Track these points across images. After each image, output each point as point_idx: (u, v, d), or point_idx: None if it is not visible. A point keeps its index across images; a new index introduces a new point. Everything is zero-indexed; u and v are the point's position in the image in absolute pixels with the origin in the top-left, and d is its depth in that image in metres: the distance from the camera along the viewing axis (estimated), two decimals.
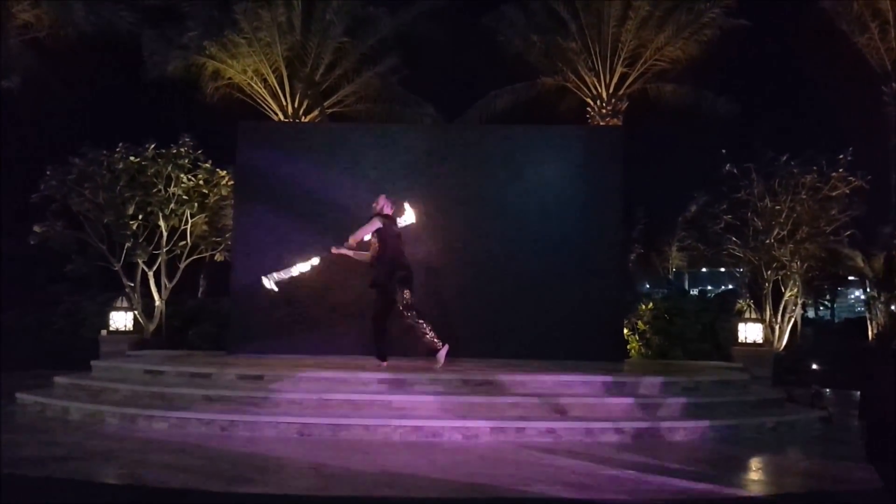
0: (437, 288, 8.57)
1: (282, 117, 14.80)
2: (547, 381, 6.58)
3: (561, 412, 6.08)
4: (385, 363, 7.31)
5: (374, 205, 7.43)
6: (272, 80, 14.74)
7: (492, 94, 15.90)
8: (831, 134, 14.18)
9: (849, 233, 10.70)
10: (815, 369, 10.88)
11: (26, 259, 11.59)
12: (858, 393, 8.01)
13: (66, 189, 10.21)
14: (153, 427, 5.92)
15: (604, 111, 15.21)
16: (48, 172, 10.21)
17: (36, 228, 10.26)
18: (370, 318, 7.50)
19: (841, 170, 10.26)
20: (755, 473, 5.17)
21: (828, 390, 9.22)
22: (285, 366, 7.05)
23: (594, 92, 15.37)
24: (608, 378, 6.69)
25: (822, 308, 22.19)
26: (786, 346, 10.61)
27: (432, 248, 8.62)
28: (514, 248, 8.64)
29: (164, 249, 10.55)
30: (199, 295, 13.55)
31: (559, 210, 8.72)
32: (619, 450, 5.51)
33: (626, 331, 9.94)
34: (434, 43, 14.96)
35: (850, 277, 17.46)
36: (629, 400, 6.35)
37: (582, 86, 15.48)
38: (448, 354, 7.23)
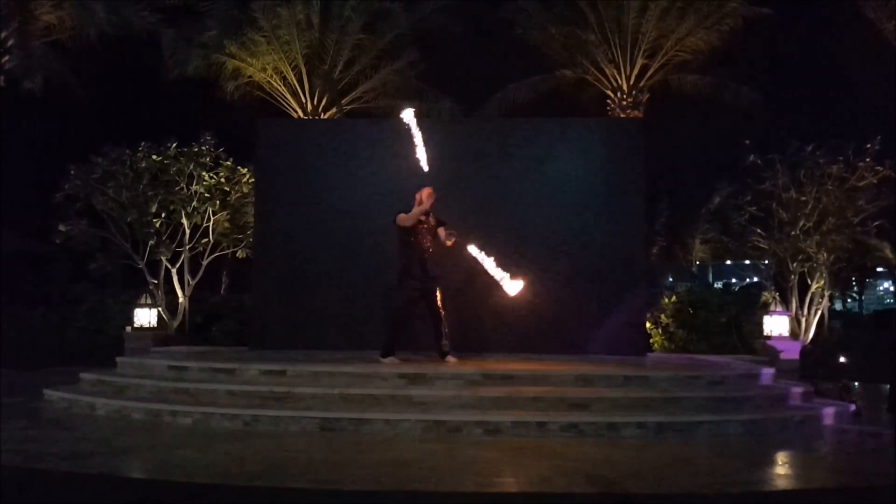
0: (457, 283, 8.55)
1: (301, 114, 14.86)
2: (568, 374, 6.53)
3: (583, 406, 6.03)
4: (389, 360, 7.14)
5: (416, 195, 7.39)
6: (291, 77, 14.80)
7: (510, 87, 15.79)
8: (858, 123, 13.92)
9: (877, 223, 10.48)
10: (842, 362, 10.69)
11: (51, 258, 11.78)
12: (887, 386, 7.86)
13: (90, 188, 10.34)
14: (178, 422, 5.99)
15: (624, 103, 15.06)
16: (72, 172, 10.35)
17: (60, 228, 10.41)
18: (395, 309, 7.37)
19: (868, 159, 10.05)
20: (781, 468, 5.09)
21: (856, 384, 9.06)
22: (307, 361, 7.09)
23: (614, 84, 15.21)
24: (630, 372, 6.63)
25: (849, 300, 21.81)
26: (812, 339, 10.44)
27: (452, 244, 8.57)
28: (536, 241, 8.59)
29: (187, 247, 10.65)
30: (222, 291, 13.67)
31: (580, 203, 8.65)
32: (642, 444, 5.46)
33: (648, 324, 9.84)
34: (452, 36, 14.90)
35: (879, 269, 17.14)
36: (652, 394, 6.29)
37: (602, 78, 15.33)
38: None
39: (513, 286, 7.38)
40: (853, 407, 6.85)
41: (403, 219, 7.22)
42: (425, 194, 7.37)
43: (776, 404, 6.52)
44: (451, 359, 7.18)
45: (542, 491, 4.23)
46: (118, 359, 7.81)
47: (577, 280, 8.49)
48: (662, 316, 10.24)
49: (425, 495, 4.10)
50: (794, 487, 4.55)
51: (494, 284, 8.47)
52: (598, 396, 6.18)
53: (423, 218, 7.31)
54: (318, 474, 4.49)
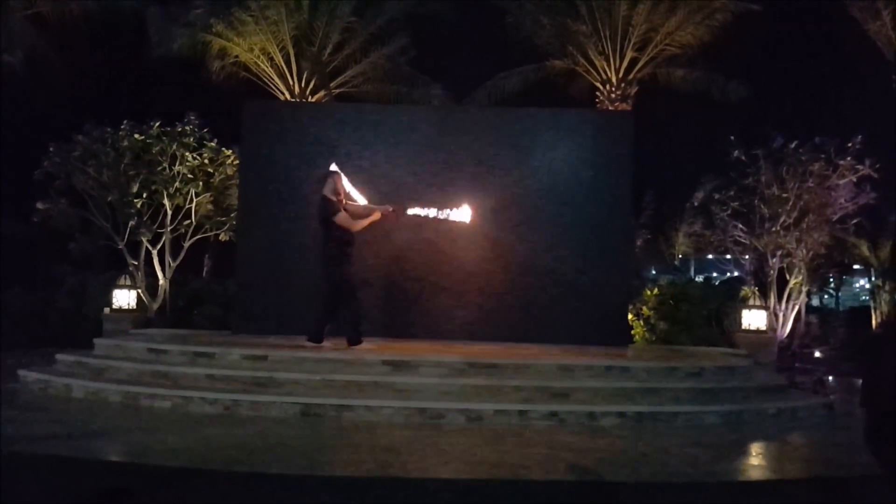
0: (443, 270, 8.56)
1: (288, 97, 14.70)
2: (550, 364, 6.57)
3: (564, 395, 6.08)
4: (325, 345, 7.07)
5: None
6: (279, 59, 14.62)
7: (501, 75, 15.74)
8: (841, 121, 14.04)
9: (855, 221, 10.63)
10: (818, 357, 10.87)
11: (29, 237, 11.61)
12: (861, 381, 8.00)
13: (70, 167, 10.18)
14: (156, 406, 5.94)
15: (613, 95, 15.07)
16: (51, 150, 10.18)
17: (39, 206, 10.26)
18: (346, 295, 7.16)
19: (849, 158, 10.17)
20: (756, 459, 5.17)
21: (831, 378, 9.22)
22: (289, 346, 7.06)
23: (604, 76, 15.22)
24: (611, 362, 6.69)
25: (826, 296, 22.11)
26: (790, 333, 10.59)
27: (440, 231, 8.58)
28: (521, 230, 8.60)
29: (169, 228, 10.54)
30: (204, 275, 13.56)
31: (567, 193, 8.66)
32: (621, 434, 5.51)
33: (630, 316, 9.92)
34: (443, 23, 14.80)
35: (856, 266, 17.38)
36: (632, 384, 6.35)
37: (591, 69, 15.32)
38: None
39: (463, 214, 7.40)
40: (827, 400, 6.96)
41: (347, 222, 7.03)
42: (340, 182, 7.20)
43: (753, 396, 6.61)
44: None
45: (523, 478, 4.26)
46: (96, 340, 7.74)
47: (561, 270, 8.53)
48: (644, 308, 10.32)
49: (406, 482, 4.11)
50: (769, 478, 4.63)
51: (478, 274, 8.51)
52: (580, 386, 6.23)
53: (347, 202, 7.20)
54: (297, 460, 4.49)
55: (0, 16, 12.41)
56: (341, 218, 7.01)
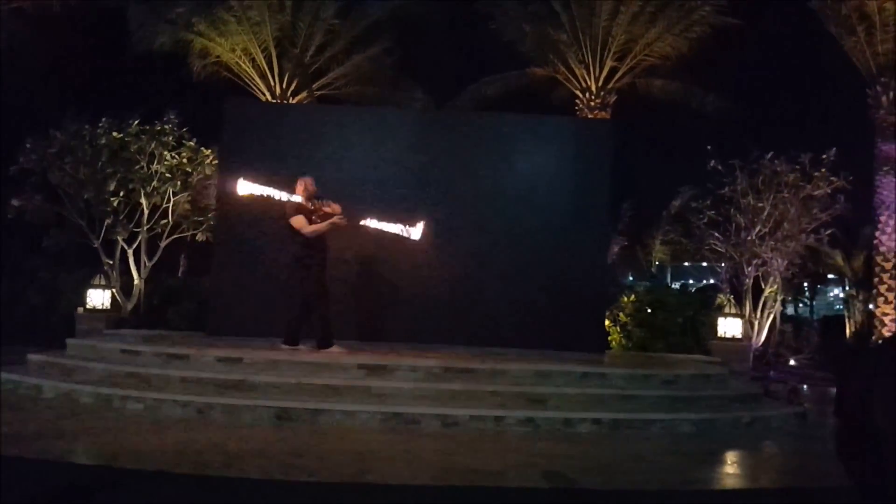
0: (421, 276, 8.55)
1: (270, 98, 14.60)
2: (527, 370, 6.58)
3: (540, 401, 6.10)
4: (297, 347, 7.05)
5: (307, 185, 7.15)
6: (261, 59, 14.53)
7: (483, 80, 15.82)
8: (816, 134, 14.30)
9: (829, 232, 10.81)
10: (792, 365, 11.03)
11: (2, 232, 11.40)
12: (834, 390, 8.11)
13: (46, 162, 10.03)
14: (128, 408, 5.85)
15: (593, 104, 15.19)
16: (28, 145, 10.02)
17: (14, 202, 10.09)
18: (316, 298, 7.09)
19: (823, 170, 10.35)
20: (730, 467, 5.22)
21: (804, 386, 9.34)
22: (265, 349, 6.99)
23: (584, 84, 15.34)
24: (588, 369, 6.72)
25: (801, 305, 22.46)
26: (764, 341, 10.73)
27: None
28: (499, 236, 8.62)
29: (145, 227, 10.41)
30: (180, 274, 13.41)
31: (545, 200, 8.70)
32: (596, 440, 5.54)
33: (607, 322, 9.99)
34: (426, 27, 14.82)
35: (830, 276, 17.67)
36: (608, 391, 6.38)
37: (572, 77, 15.43)
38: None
39: (415, 231, 7.33)
40: (801, 409, 7.05)
41: (308, 230, 6.91)
42: (311, 186, 7.10)
43: (727, 405, 6.68)
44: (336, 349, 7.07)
45: (498, 485, 4.26)
46: (68, 340, 7.59)
47: (539, 276, 8.55)
48: (621, 314, 10.40)
49: (380, 487, 4.09)
50: (742, 486, 4.68)
51: (454, 278, 8.50)
52: (556, 392, 6.25)
53: (315, 208, 7.08)
54: (271, 464, 4.44)
55: None
56: (296, 221, 6.96)
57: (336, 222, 7.07)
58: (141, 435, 5.00)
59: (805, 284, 16.15)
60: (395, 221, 7.44)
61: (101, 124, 10.21)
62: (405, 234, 7.36)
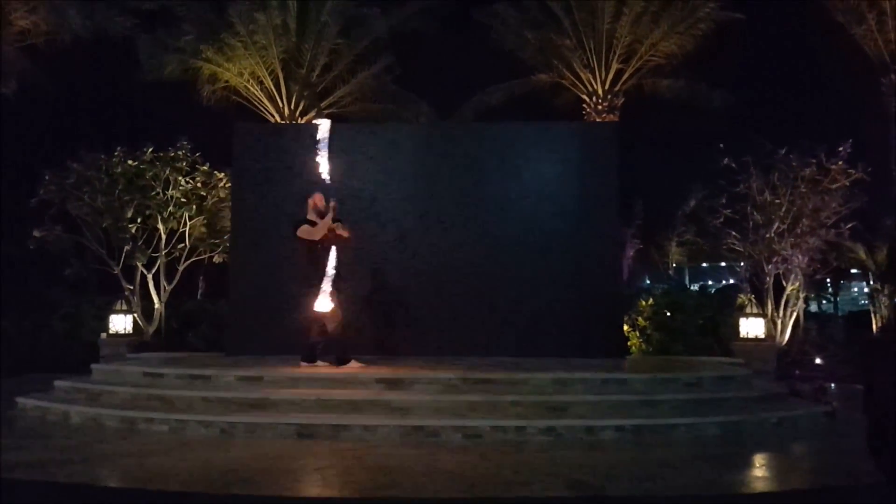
0: (435, 287, 8.55)
1: (278, 119, 14.77)
2: (546, 378, 6.55)
3: (561, 410, 6.05)
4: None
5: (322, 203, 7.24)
6: (268, 82, 14.71)
7: (486, 91, 15.85)
8: (830, 126, 14.14)
9: (850, 225, 10.64)
10: (818, 363, 10.84)
11: (25, 263, 11.59)
12: (862, 387, 7.97)
13: (65, 193, 10.21)
14: (153, 429, 5.91)
15: (600, 107, 15.17)
16: (47, 177, 10.21)
17: (35, 233, 10.25)
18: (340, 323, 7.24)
19: (840, 162, 10.21)
20: (759, 470, 5.14)
21: (832, 385, 9.18)
22: (284, 366, 7.03)
23: (590, 88, 15.33)
24: (608, 375, 6.66)
25: (824, 302, 22.13)
26: (788, 340, 10.57)
27: (429, 247, 8.59)
28: (511, 245, 8.61)
29: (163, 252, 10.53)
30: (198, 296, 13.51)
31: (556, 206, 8.68)
32: (620, 447, 5.48)
33: (626, 327, 9.90)
34: (427, 41, 14.93)
35: (853, 270, 17.38)
36: (630, 397, 6.32)
37: (577, 82, 15.43)
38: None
39: (322, 303, 7.14)
40: (829, 408, 6.92)
41: (308, 231, 7.02)
42: (320, 202, 7.22)
43: (753, 406, 6.58)
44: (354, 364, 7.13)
45: (522, 496, 4.23)
46: (93, 366, 7.70)
47: (553, 283, 8.52)
48: (640, 318, 10.30)
49: (404, 502, 4.07)
50: (772, 489, 4.60)
51: (468, 289, 8.49)
52: (577, 400, 6.20)
53: (327, 224, 7.13)
54: (294, 481, 4.45)
55: None
56: (302, 230, 7.04)
57: (338, 232, 7.10)
58: (167, 456, 5.03)
59: (828, 280, 15.88)
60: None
61: (115, 153, 10.38)
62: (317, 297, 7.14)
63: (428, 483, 4.42)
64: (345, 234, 7.23)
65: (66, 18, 12.50)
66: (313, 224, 7.12)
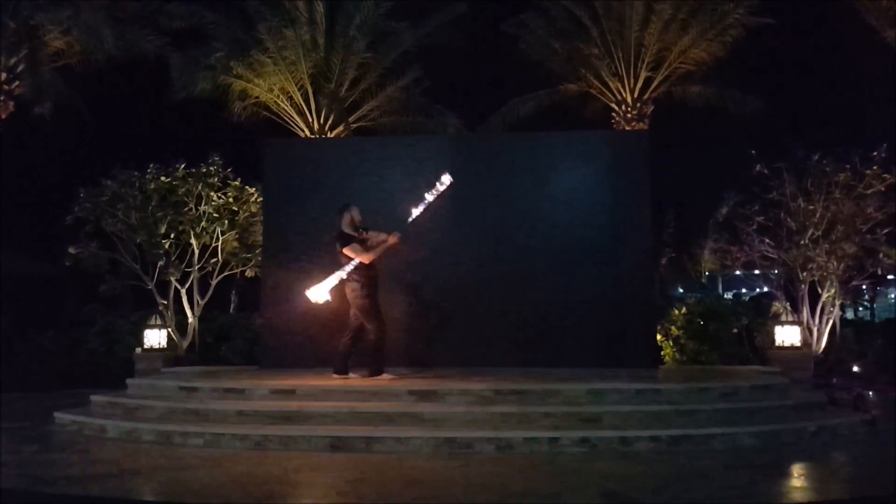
0: (466, 298, 8.55)
1: (308, 134, 14.96)
2: (579, 389, 6.49)
3: (595, 421, 5.99)
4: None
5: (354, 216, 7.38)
6: (298, 97, 14.92)
7: (514, 101, 15.87)
8: (864, 130, 13.86)
9: (886, 231, 10.41)
10: (856, 371, 10.59)
11: (60, 280, 11.87)
12: None
13: (99, 211, 10.43)
14: (188, 443, 5.98)
15: (629, 115, 15.08)
16: (81, 195, 10.45)
17: (71, 250, 10.49)
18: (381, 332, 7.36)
19: (875, 167, 10.01)
20: (797, 480, 5.03)
21: (870, 392, 8.97)
22: (317, 379, 7.07)
23: (619, 97, 15.25)
24: (642, 385, 6.58)
25: (861, 308, 21.64)
26: (825, 348, 10.34)
27: (460, 259, 8.60)
28: (543, 255, 8.57)
29: (196, 267, 10.69)
30: (231, 311, 13.69)
31: (587, 216, 8.63)
32: (655, 458, 5.40)
33: (659, 336, 9.78)
34: (455, 52, 15.02)
35: (890, 276, 16.98)
36: (664, 407, 6.24)
37: (606, 91, 15.37)
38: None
39: (317, 293, 7.33)
40: (868, 416, 6.76)
41: (363, 255, 7.16)
42: (357, 216, 7.35)
43: (790, 415, 6.45)
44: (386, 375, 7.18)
45: None
46: (129, 380, 7.82)
47: (584, 293, 8.46)
48: (673, 328, 10.18)
49: None
50: (812, 499, 4.49)
51: (499, 300, 8.47)
52: (610, 410, 6.13)
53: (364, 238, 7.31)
54: (329, 494, 4.47)
55: (31, 70, 12.86)
56: (349, 249, 7.11)
57: (391, 243, 7.24)
58: (202, 470, 5.09)
59: (864, 287, 15.54)
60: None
61: (149, 170, 10.59)
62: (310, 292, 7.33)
63: (461, 495, 4.41)
64: (393, 240, 7.29)
65: (99, 39, 12.82)
66: (359, 241, 7.21)
